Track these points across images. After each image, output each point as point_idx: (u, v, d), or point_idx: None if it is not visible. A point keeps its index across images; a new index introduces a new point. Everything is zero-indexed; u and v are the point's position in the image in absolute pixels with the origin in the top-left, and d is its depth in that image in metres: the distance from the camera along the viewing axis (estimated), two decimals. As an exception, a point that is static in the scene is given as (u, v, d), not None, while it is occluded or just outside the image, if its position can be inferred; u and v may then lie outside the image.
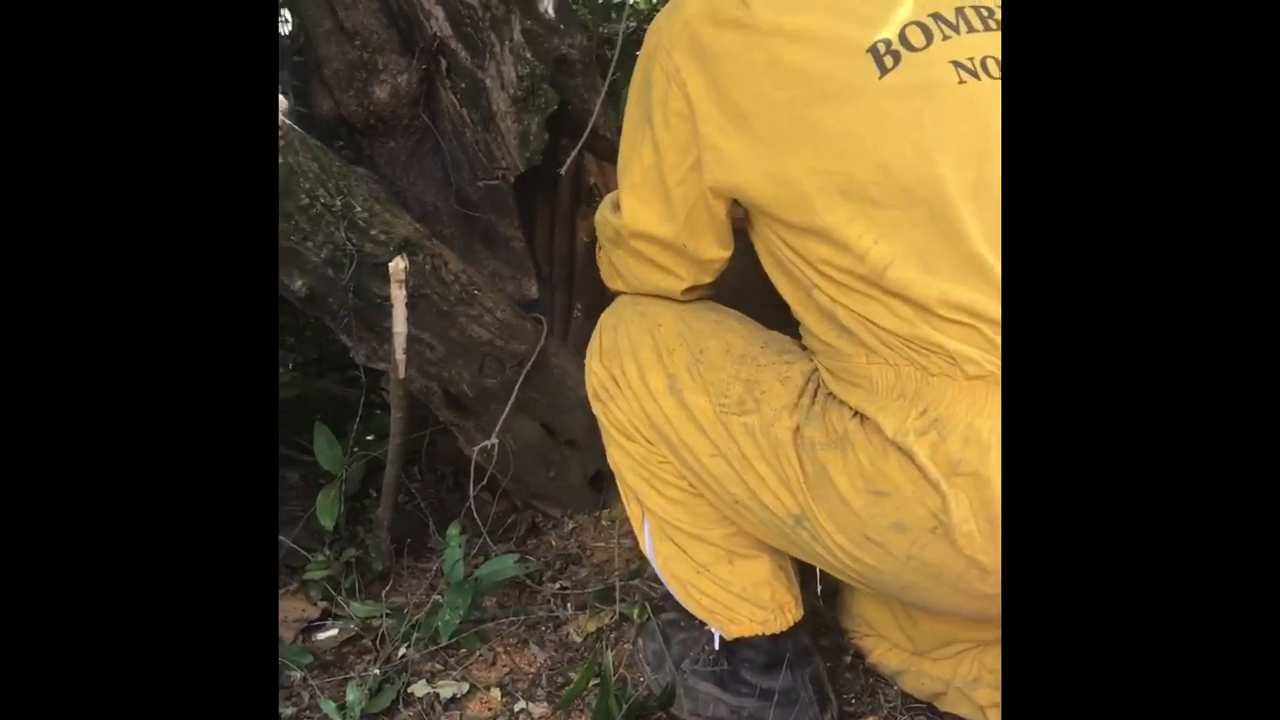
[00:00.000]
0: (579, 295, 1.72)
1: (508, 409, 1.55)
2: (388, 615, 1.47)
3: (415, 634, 1.41)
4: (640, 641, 1.38)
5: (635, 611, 1.43)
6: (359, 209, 1.40)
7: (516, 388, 1.55)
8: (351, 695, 1.31)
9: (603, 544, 1.64)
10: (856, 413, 1.02)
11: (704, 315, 1.21)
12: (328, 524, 1.54)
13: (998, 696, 1.18)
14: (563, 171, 1.56)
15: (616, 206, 1.22)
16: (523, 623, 1.48)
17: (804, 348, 1.15)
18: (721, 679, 1.27)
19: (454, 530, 1.47)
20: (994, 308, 0.93)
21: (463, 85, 1.51)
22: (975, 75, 0.98)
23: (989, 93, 0.97)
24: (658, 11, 1.18)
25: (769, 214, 1.05)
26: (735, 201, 1.10)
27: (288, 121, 1.36)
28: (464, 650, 1.42)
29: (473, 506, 1.53)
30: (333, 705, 1.31)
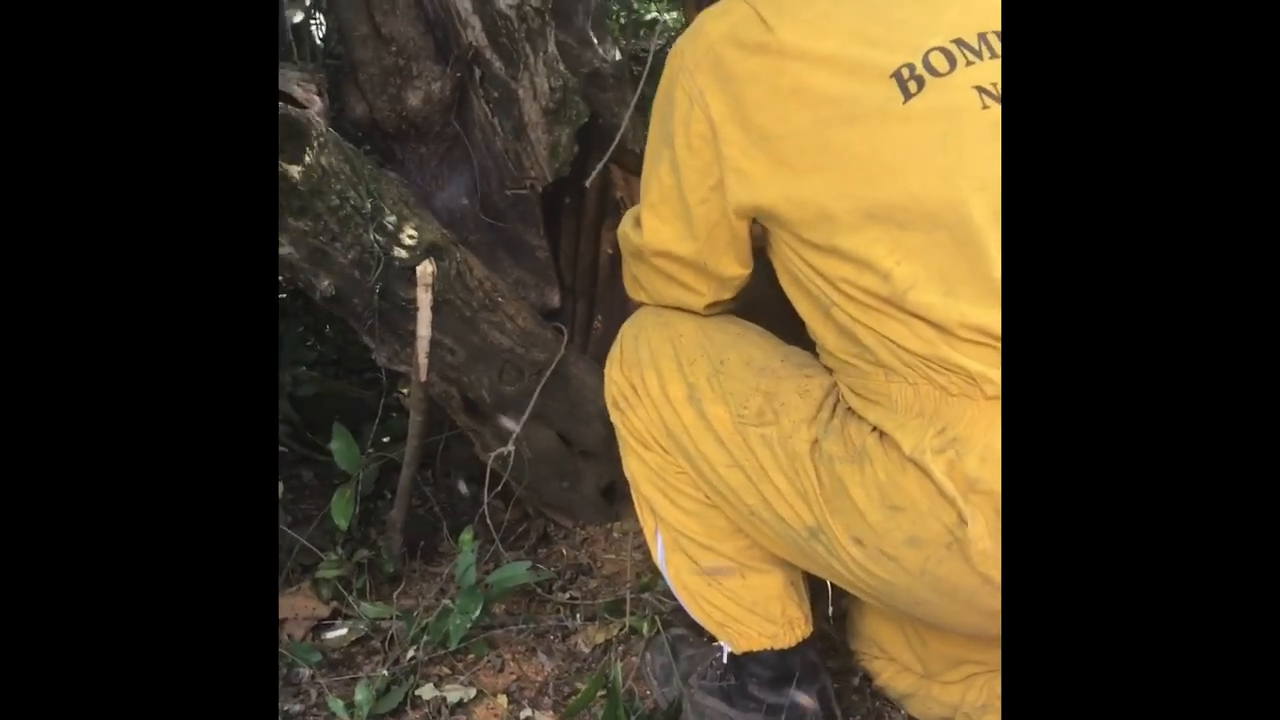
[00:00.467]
0: (600, 306, 1.73)
1: (526, 416, 1.56)
2: (397, 617, 1.47)
3: (424, 637, 1.42)
4: (649, 655, 1.38)
5: (644, 625, 1.43)
6: (388, 212, 1.42)
7: (535, 395, 1.56)
8: (360, 695, 1.31)
9: (613, 556, 1.64)
10: (875, 428, 1.02)
11: (725, 328, 1.22)
12: (342, 524, 1.55)
13: (1006, 725, 1.18)
14: (588, 184, 1.57)
15: (638, 222, 1.23)
16: (531, 631, 1.48)
17: (823, 362, 1.16)
18: (728, 694, 1.27)
19: (467, 535, 1.47)
20: None
21: (495, 94, 1.53)
22: (998, 100, 0.99)
23: None
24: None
25: (791, 233, 1.06)
26: (754, 220, 1.11)
27: (322, 122, 1.37)
28: (472, 655, 1.43)
29: (486, 513, 1.53)
30: (340, 704, 1.31)
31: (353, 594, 1.52)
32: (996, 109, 0.98)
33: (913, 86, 1.00)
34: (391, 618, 1.48)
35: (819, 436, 1.07)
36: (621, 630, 1.45)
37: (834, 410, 1.09)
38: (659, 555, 1.28)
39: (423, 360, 1.41)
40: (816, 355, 1.17)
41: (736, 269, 1.18)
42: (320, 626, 1.50)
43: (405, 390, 1.81)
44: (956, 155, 0.97)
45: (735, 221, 1.11)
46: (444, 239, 1.48)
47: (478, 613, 1.41)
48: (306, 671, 1.41)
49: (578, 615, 1.50)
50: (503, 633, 1.47)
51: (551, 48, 1.52)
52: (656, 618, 1.42)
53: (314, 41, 1.88)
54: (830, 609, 1.36)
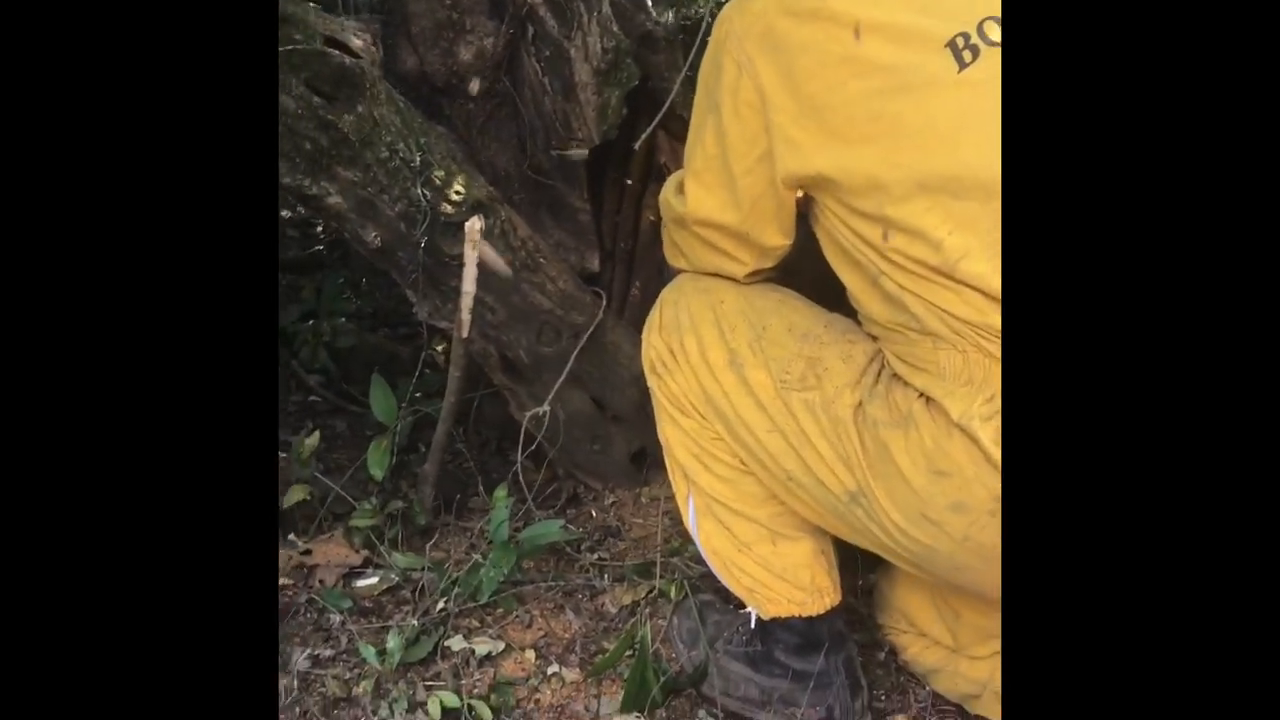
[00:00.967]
0: (639, 273, 1.73)
1: (562, 378, 1.56)
2: (428, 569, 1.49)
3: (455, 589, 1.44)
4: (675, 619, 1.40)
5: (672, 589, 1.44)
6: (436, 167, 1.42)
7: (572, 358, 1.57)
8: (392, 642, 1.33)
9: (641, 520, 1.66)
10: (922, 394, 1.03)
11: (767, 294, 1.23)
12: (377, 474, 1.57)
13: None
14: (637, 146, 1.56)
15: (680, 189, 1.23)
16: (560, 589, 1.49)
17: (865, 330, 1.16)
18: (754, 660, 1.28)
19: (501, 492, 1.48)
20: None
21: (547, 53, 1.52)
22: None
23: None
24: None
25: (840, 202, 1.06)
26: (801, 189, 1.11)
27: (376, 72, 1.38)
28: (501, 610, 1.45)
29: (519, 471, 1.54)
30: (372, 650, 1.33)
31: (384, 544, 1.54)
32: None
33: (967, 56, 0.99)
34: (422, 569, 1.50)
35: (863, 401, 1.08)
36: (649, 593, 1.47)
37: (878, 376, 1.10)
38: (690, 520, 1.29)
39: (466, 316, 1.42)
40: (858, 323, 1.18)
41: (779, 239, 1.17)
42: (351, 574, 1.52)
43: (440, 347, 1.82)
44: None
45: (782, 191, 1.11)
46: (490, 197, 1.48)
47: (509, 568, 1.42)
48: (337, 617, 1.44)
49: (606, 576, 1.52)
50: (532, 589, 1.49)
51: (606, 8, 1.51)
52: (685, 582, 1.44)
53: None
54: (860, 581, 1.37)
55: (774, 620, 1.25)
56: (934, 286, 1.00)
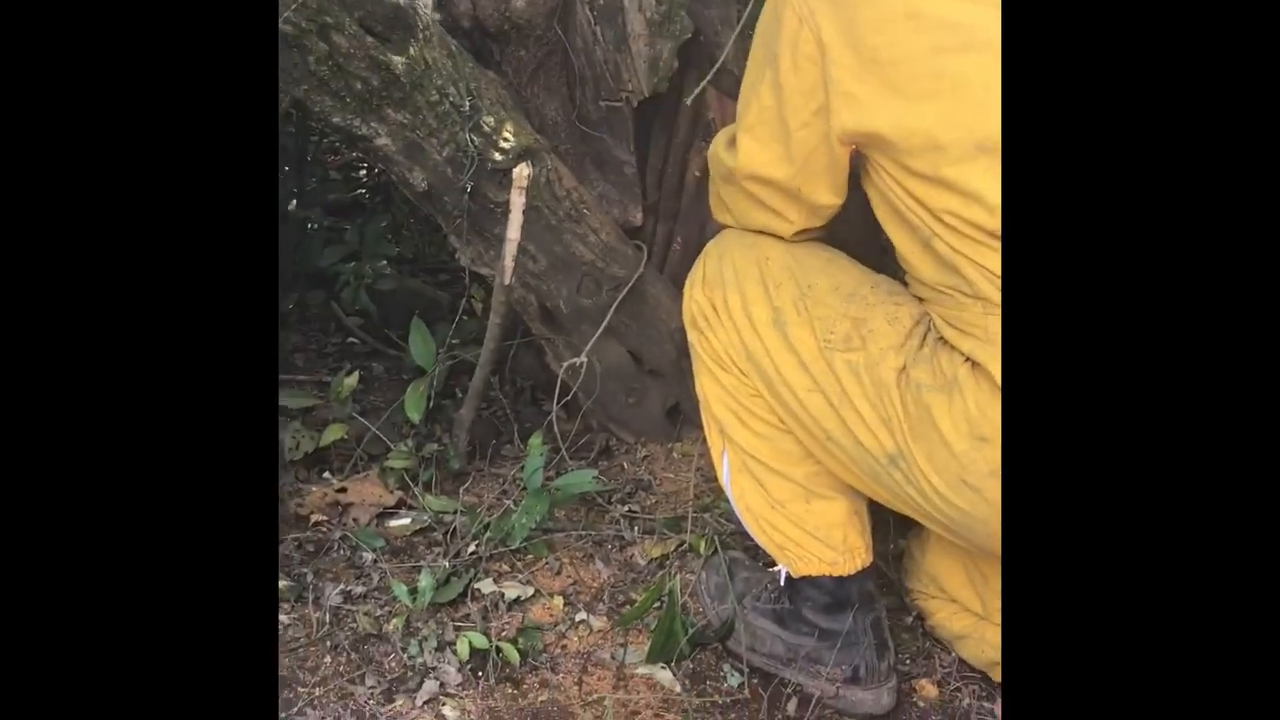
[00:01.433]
0: (681, 228, 1.72)
1: (600, 330, 1.56)
2: (461, 512, 1.51)
3: (486, 534, 1.45)
4: (704, 574, 1.41)
5: (702, 544, 1.45)
6: (485, 113, 1.42)
7: (611, 310, 1.57)
8: (423, 582, 1.35)
9: (672, 475, 1.66)
10: (968, 359, 1.02)
11: (814, 252, 1.22)
12: (414, 417, 1.58)
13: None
14: (688, 101, 1.55)
15: (731, 143, 1.21)
16: (590, 539, 1.51)
17: (912, 291, 1.16)
18: (782, 617, 1.29)
19: (536, 439, 1.50)
20: None
21: (601, 2, 1.51)
22: None
23: None
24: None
25: (896, 162, 1.05)
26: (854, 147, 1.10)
27: (429, 14, 1.37)
28: (531, 556, 1.46)
29: (553, 421, 1.55)
30: (403, 589, 1.35)
31: (418, 486, 1.56)
32: None
33: None
34: (455, 512, 1.51)
35: (907, 364, 1.07)
36: (679, 547, 1.48)
37: (924, 339, 1.09)
38: (724, 476, 1.30)
39: (509, 263, 1.42)
40: (905, 284, 1.17)
41: (830, 197, 1.16)
42: (384, 514, 1.54)
43: (475, 296, 1.83)
44: None
45: (837, 147, 1.10)
46: (537, 144, 1.48)
47: (541, 515, 1.44)
48: (370, 556, 1.46)
49: (636, 528, 1.53)
50: (562, 537, 1.50)
51: (662, -42, 1.49)
52: (714, 538, 1.44)
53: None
54: (890, 546, 1.37)
55: (803, 578, 1.25)
56: (988, 250, 0.99)
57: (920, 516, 1.12)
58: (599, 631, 1.36)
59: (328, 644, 1.31)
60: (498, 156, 1.43)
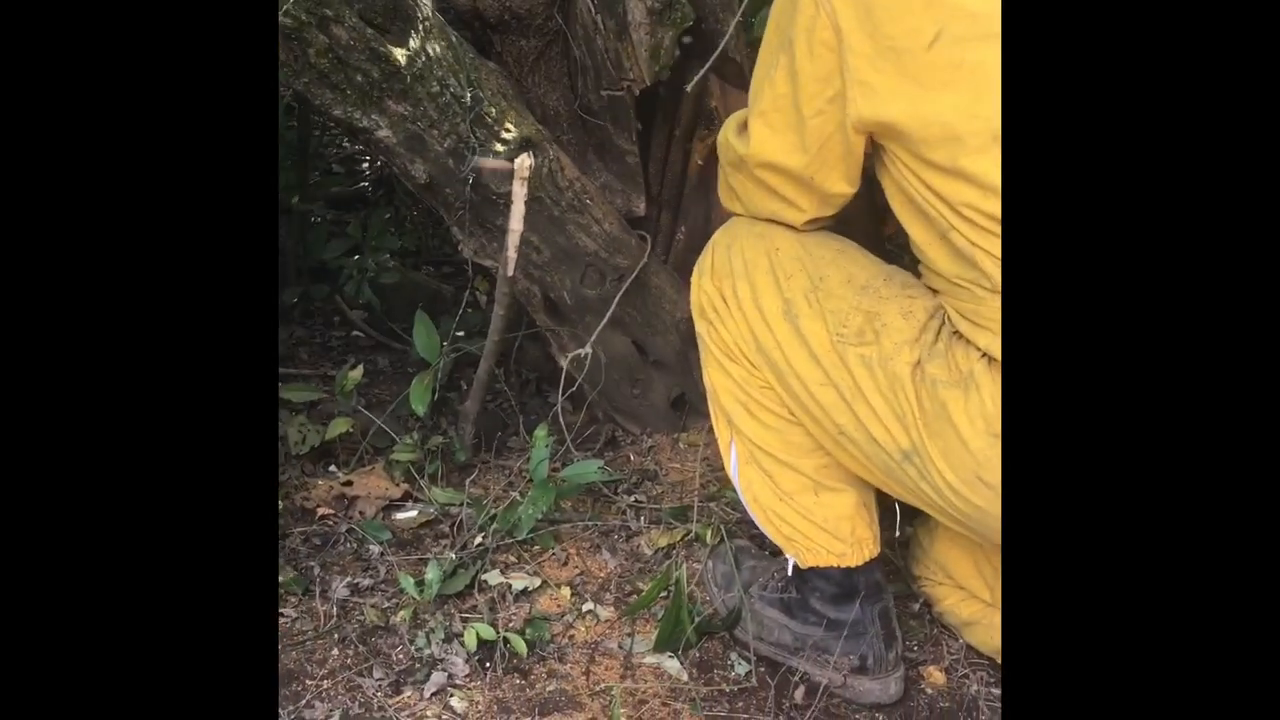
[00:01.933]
0: (685, 217, 1.72)
1: (605, 321, 1.56)
2: (467, 504, 1.51)
3: (493, 525, 1.45)
4: (711, 563, 1.41)
5: (708, 533, 1.45)
6: (487, 104, 1.41)
7: (615, 301, 1.57)
8: (431, 574, 1.35)
9: (678, 464, 1.66)
10: (985, 354, 1.01)
11: (825, 243, 1.20)
12: (419, 409, 1.58)
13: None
14: (689, 89, 1.54)
15: (741, 129, 1.20)
16: (597, 529, 1.51)
17: (925, 284, 1.14)
18: (789, 606, 1.29)
19: (541, 431, 1.49)
20: None
21: (602, -9, 1.50)
22: None
23: None
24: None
25: (912, 153, 1.03)
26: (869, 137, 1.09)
27: (430, 5, 1.37)
28: (538, 547, 1.46)
29: (559, 412, 1.55)
30: (410, 581, 1.35)
31: (424, 479, 1.56)
32: None
33: None
34: (461, 504, 1.51)
35: (922, 359, 1.06)
36: (685, 536, 1.47)
37: (938, 333, 1.08)
38: (732, 467, 1.29)
39: (512, 254, 1.42)
40: (918, 275, 1.16)
41: (843, 186, 1.15)
42: (391, 507, 1.54)
43: (480, 288, 1.83)
44: None
45: (852, 136, 1.08)
46: (539, 135, 1.47)
47: (548, 506, 1.44)
48: (376, 548, 1.46)
49: (642, 518, 1.53)
50: (569, 528, 1.50)
51: (662, -54, 1.49)
52: (721, 527, 1.44)
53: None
54: (897, 533, 1.37)
55: (811, 569, 1.25)
56: None
57: (934, 511, 1.12)
58: (606, 621, 1.36)
59: (335, 637, 1.31)
60: (499, 147, 1.42)
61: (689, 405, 1.74)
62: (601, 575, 1.43)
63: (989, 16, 0.98)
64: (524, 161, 1.36)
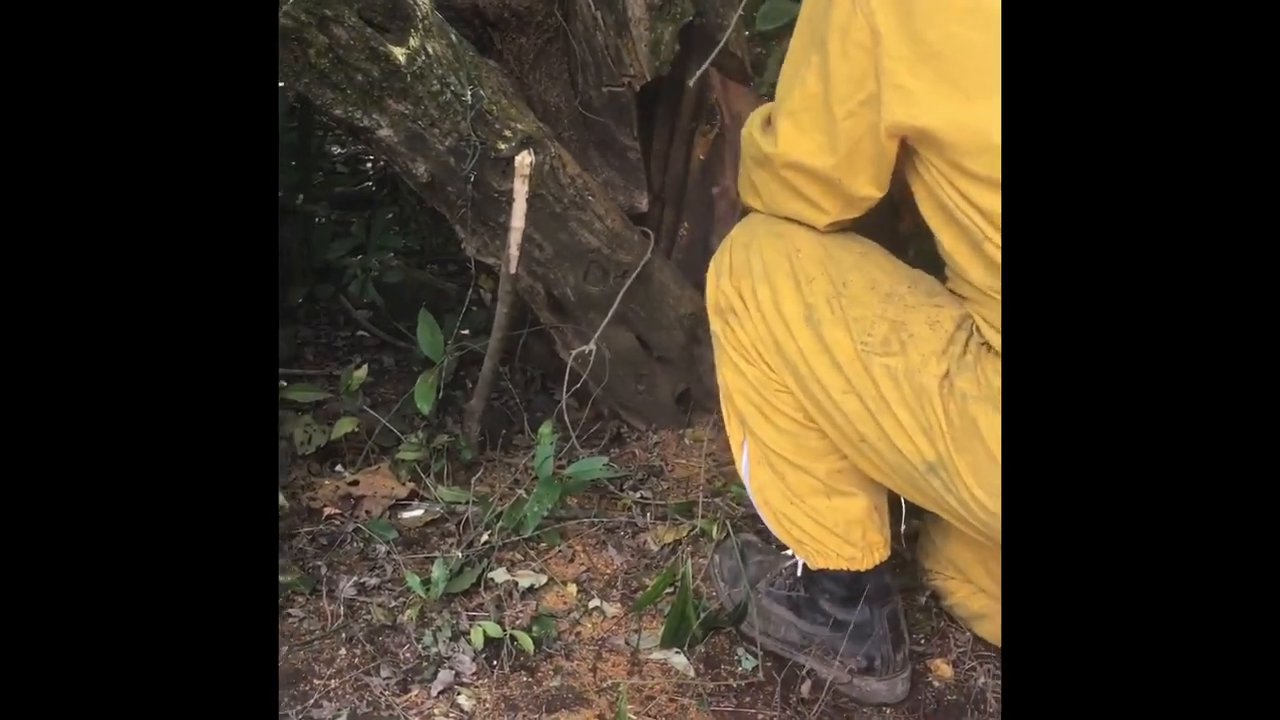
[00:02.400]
0: (687, 213, 1.72)
1: (609, 317, 1.56)
2: (473, 502, 1.51)
3: (499, 523, 1.45)
4: (717, 558, 1.41)
5: (714, 528, 1.45)
6: (487, 101, 1.41)
7: (619, 297, 1.57)
8: (437, 572, 1.35)
9: (684, 460, 1.66)
10: None
11: (847, 246, 1.17)
12: (424, 408, 1.58)
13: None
14: (691, 83, 1.54)
15: (766, 126, 1.17)
16: (602, 525, 1.51)
17: (952, 290, 1.12)
18: (797, 605, 1.28)
19: (546, 428, 1.49)
20: None
21: (601, -13, 1.50)
22: None
23: None
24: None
25: (948, 160, 1.01)
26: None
27: (429, 4, 1.36)
28: (544, 544, 1.46)
29: (564, 409, 1.55)
30: (417, 579, 1.35)
31: (430, 477, 1.56)
32: None
33: None
34: (467, 502, 1.52)
35: (950, 371, 1.04)
36: (691, 531, 1.47)
37: (966, 344, 1.06)
38: (743, 467, 1.27)
39: (514, 252, 1.42)
40: (942, 279, 1.14)
41: (871, 190, 1.11)
42: (397, 506, 1.55)
43: (483, 286, 1.83)
44: None
45: (885, 140, 1.04)
46: (540, 132, 1.47)
47: (553, 503, 1.44)
48: (383, 548, 1.46)
49: (648, 514, 1.53)
50: (574, 525, 1.50)
51: (661, -59, 1.48)
52: (727, 522, 1.44)
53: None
54: (904, 527, 1.36)
55: (821, 570, 1.24)
56: None
57: (957, 521, 1.10)
58: (613, 618, 1.36)
59: (343, 636, 1.31)
60: (500, 145, 1.42)
61: (694, 401, 1.73)
62: (608, 572, 1.43)
63: None
64: (524, 159, 1.36)
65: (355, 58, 1.33)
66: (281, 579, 1.37)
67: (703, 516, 1.47)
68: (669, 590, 1.35)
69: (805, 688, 1.25)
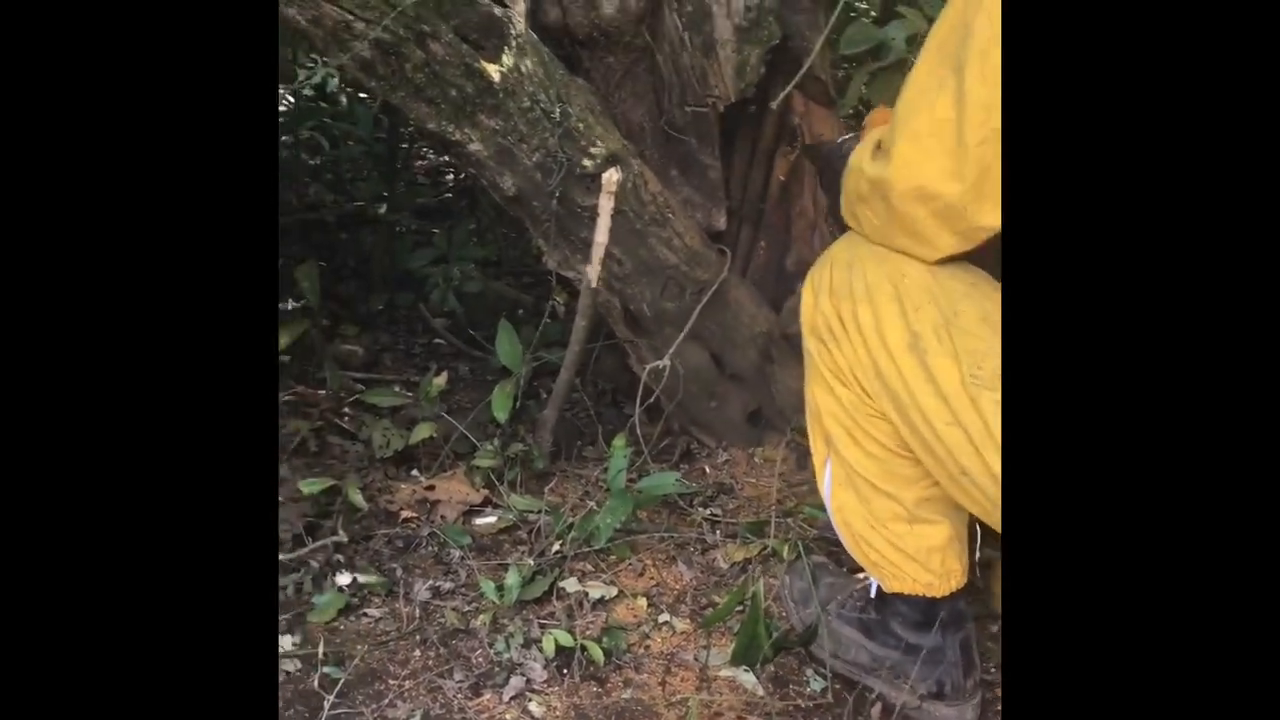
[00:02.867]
0: (765, 232, 1.73)
1: (684, 334, 1.58)
2: (545, 511, 1.53)
3: (571, 533, 1.47)
4: (788, 578, 1.41)
5: (785, 548, 1.45)
6: (575, 119, 1.44)
7: (695, 314, 1.58)
8: (511, 579, 1.37)
9: (754, 479, 1.67)
10: None
11: (957, 274, 1.13)
12: (501, 416, 1.61)
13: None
14: (774, 105, 1.55)
15: (877, 150, 1.13)
16: (673, 541, 1.52)
17: None
18: (868, 627, 1.28)
19: (620, 441, 1.51)
20: None
21: (689, 9, 1.52)
22: None
23: None
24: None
25: None
26: None
27: (522, 23, 1.40)
28: (614, 557, 1.48)
29: (637, 424, 1.57)
30: (491, 585, 1.37)
31: (504, 485, 1.59)
32: None
33: None
34: (540, 511, 1.54)
35: None
36: (761, 551, 1.48)
37: None
38: (825, 486, 1.26)
39: (596, 267, 1.44)
40: None
41: (994, 220, 1.06)
42: (471, 512, 1.57)
43: (558, 299, 1.85)
44: None
45: None
46: (625, 150, 1.49)
47: (625, 516, 1.45)
48: (457, 553, 1.49)
49: (718, 532, 1.54)
50: (645, 539, 1.52)
51: (751, -36, 1.50)
52: (799, 543, 1.44)
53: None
54: (977, 556, 1.35)
55: (895, 594, 1.24)
56: None
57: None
58: (682, 633, 1.37)
59: (417, 638, 1.34)
60: (586, 162, 1.45)
61: (765, 420, 1.74)
62: (677, 587, 1.44)
63: None
64: (611, 176, 1.39)
65: (451, 73, 1.37)
66: (360, 579, 1.40)
67: (774, 537, 1.48)
68: (739, 608, 1.36)
69: (875, 711, 1.25)
